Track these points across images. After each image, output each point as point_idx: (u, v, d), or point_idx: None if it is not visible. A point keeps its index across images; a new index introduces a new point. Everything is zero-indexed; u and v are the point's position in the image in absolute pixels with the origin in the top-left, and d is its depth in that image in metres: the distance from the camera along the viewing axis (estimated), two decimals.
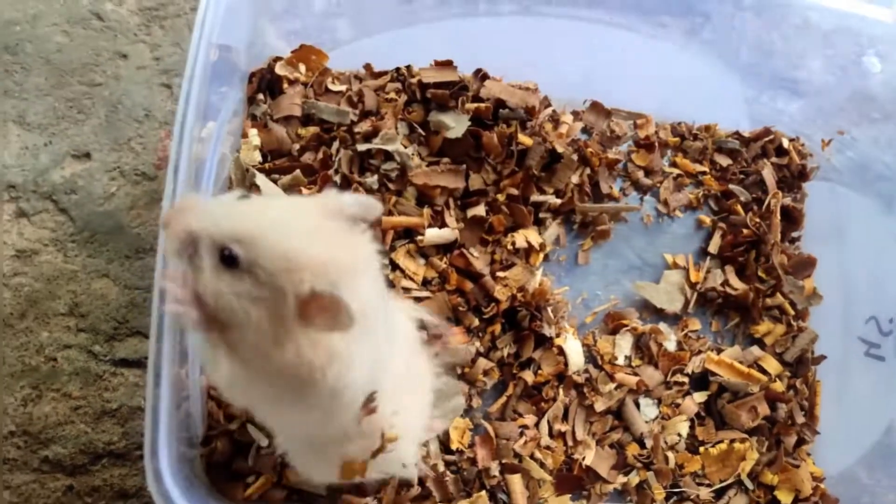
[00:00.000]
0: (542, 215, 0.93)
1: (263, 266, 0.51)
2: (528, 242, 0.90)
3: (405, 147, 0.89)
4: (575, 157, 0.93)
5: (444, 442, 0.85)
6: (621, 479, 0.88)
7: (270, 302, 0.52)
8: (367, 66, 0.93)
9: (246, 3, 0.84)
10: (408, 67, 0.92)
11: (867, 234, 0.94)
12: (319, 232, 0.54)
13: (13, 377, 0.82)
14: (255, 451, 0.79)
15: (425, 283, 0.89)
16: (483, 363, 0.87)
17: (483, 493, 0.83)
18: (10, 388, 0.82)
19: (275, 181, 0.86)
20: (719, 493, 0.89)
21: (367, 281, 0.56)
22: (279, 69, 0.89)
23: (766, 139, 0.99)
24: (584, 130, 0.98)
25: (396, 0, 0.97)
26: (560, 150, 0.91)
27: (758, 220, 0.97)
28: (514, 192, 0.91)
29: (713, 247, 0.97)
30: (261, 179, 0.84)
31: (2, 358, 0.81)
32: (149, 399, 0.59)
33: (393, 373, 0.66)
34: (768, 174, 0.98)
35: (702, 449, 0.90)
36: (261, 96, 0.89)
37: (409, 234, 0.89)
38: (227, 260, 0.51)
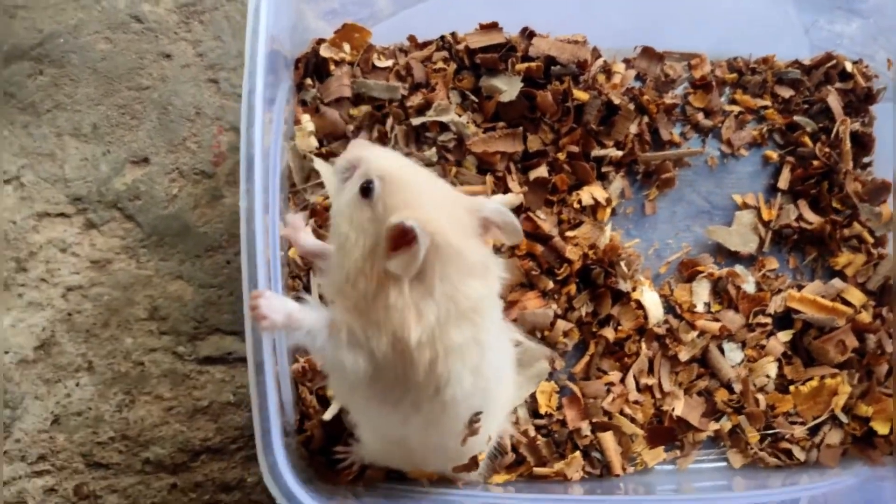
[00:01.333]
0: (604, 169, 0.92)
1: (386, 202, 0.58)
2: (594, 199, 0.89)
3: (459, 116, 0.89)
4: (632, 106, 0.92)
5: (533, 407, 0.85)
6: (713, 425, 0.88)
7: (375, 236, 0.57)
8: (412, 38, 0.92)
9: None
10: (452, 34, 0.91)
11: None
12: (447, 210, 0.60)
13: (105, 385, 0.84)
14: (348, 436, 0.80)
15: (495, 250, 0.88)
16: (562, 325, 0.87)
17: (577, 453, 0.84)
18: (104, 396, 0.84)
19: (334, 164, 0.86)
20: (814, 430, 0.89)
21: (476, 282, 0.59)
22: (324, 51, 0.88)
23: (829, 65, 0.96)
24: (638, 77, 0.96)
25: None
26: (616, 101, 0.90)
27: (827, 149, 0.95)
28: (575, 149, 0.90)
29: (783, 182, 0.95)
30: (319, 164, 0.84)
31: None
32: (254, 395, 0.60)
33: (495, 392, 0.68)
34: (834, 101, 0.95)
35: (792, 388, 0.89)
36: (309, 81, 0.89)
37: None
38: (365, 191, 0.59)
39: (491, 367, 0.65)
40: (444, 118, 0.87)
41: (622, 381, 0.87)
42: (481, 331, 0.61)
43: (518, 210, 0.89)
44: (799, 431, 0.88)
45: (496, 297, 0.66)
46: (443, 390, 0.60)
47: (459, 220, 0.60)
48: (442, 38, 0.91)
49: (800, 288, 0.93)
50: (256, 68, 0.66)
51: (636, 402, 0.86)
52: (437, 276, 0.57)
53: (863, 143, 0.97)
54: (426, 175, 0.65)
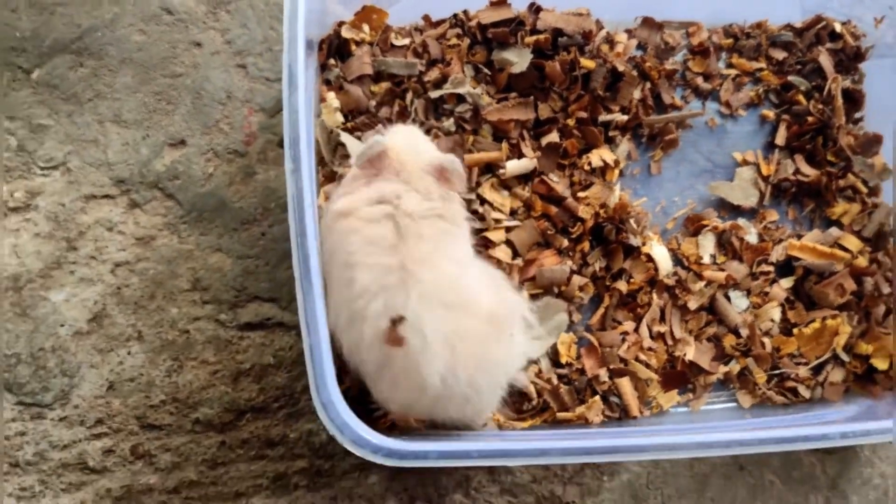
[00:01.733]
0: (611, 133, 0.98)
1: None
2: (604, 161, 0.95)
3: (474, 88, 0.95)
4: (635, 73, 0.98)
5: (554, 357, 0.91)
6: (723, 368, 0.94)
7: None
8: (426, 17, 0.98)
9: None
10: (465, 12, 0.97)
11: None
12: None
13: (155, 352, 0.90)
14: None
15: (512, 213, 0.94)
16: (577, 280, 0.93)
17: (596, 398, 0.90)
18: (154, 363, 0.90)
19: (358, 138, 0.92)
20: (817, 370, 0.95)
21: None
22: (345, 32, 0.94)
23: (819, 27, 1.03)
24: (640, 47, 1.02)
25: None
26: (621, 68, 0.96)
27: (820, 105, 1.01)
28: (583, 114, 0.96)
29: (780, 138, 1.01)
30: (345, 137, 0.90)
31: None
32: (305, 339, 0.66)
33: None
34: (825, 60, 1.01)
35: (795, 330, 0.95)
36: (332, 61, 0.95)
37: (490, 169, 0.95)
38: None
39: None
40: (460, 90, 0.93)
41: (636, 330, 0.93)
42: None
43: (532, 174, 0.95)
44: (803, 371, 0.94)
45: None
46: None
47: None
48: (455, 15, 0.97)
49: (799, 237, 0.99)
50: (297, 53, 0.72)
51: (650, 349, 0.93)
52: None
53: (854, 99, 1.03)
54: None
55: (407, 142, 0.81)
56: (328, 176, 0.92)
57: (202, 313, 0.92)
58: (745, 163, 1.01)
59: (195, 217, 0.94)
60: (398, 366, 0.72)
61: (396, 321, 0.70)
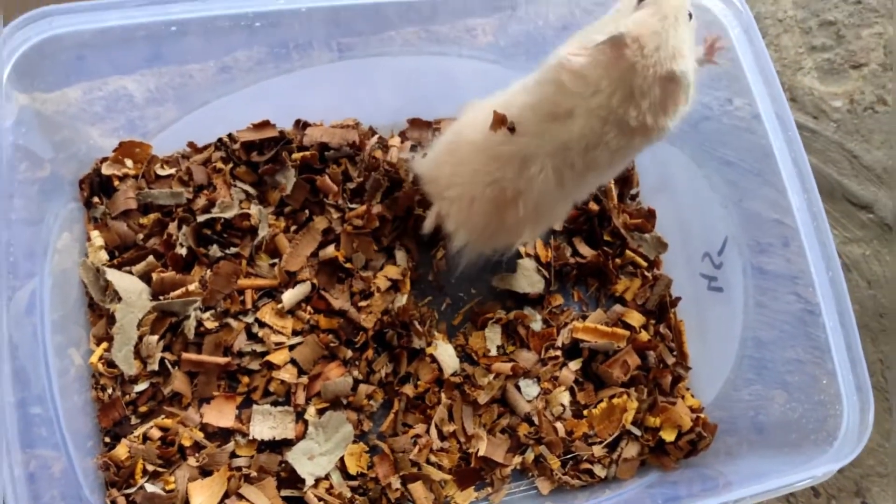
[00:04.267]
0: (388, 237, 1.01)
1: None
2: (390, 279, 0.98)
3: (246, 209, 0.97)
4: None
5: (344, 470, 0.92)
6: (517, 459, 0.96)
7: None
8: (191, 144, 1.00)
9: (52, 116, 0.91)
10: (229, 135, 0.99)
11: (683, 180, 1.04)
12: None
13: None
14: None
15: (296, 333, 0.96)
16: (364, 388, 0.94)
17: None
18: None
19: (129, 272, 0.93)
20: (612, 447, 0.98)
21: None
22: (105, 169, 0.95)
23: None
24: (413, 148, 1.06)
25: (215, 70, 1.03)
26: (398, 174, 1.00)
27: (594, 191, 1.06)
28: (359, 222, 0.99)
29: (558, 224, 1.06)
30: (111, 274, 0.91)
31: None
32: None
33: None
34: None
35: (586, 412, 0.99)
36: (96, 199, 0.96)
37: (270, 293, 0.97)
38: None
39: None
40: (227, 214, 0.95)
41: (427, 431, 0.95)
42: None
43: (311, 291, 0.97)
44: (597, 450, 0.97)
45: None
46: None
47: None
48: (220, 139, 1.00)
49: (584, 318, 1.03)
50: None
51: (441, 450, 0.94)
52: None
53: (626, 179, 1.09)
54: None
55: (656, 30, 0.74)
56: (99, 315, 0.92)
57: None
58: (527, 255, 1.05)
59: None
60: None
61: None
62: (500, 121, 0.81)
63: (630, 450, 0.98)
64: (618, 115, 0.75)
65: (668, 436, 0.98)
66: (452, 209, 0.90)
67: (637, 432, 0.99)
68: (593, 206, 1.06)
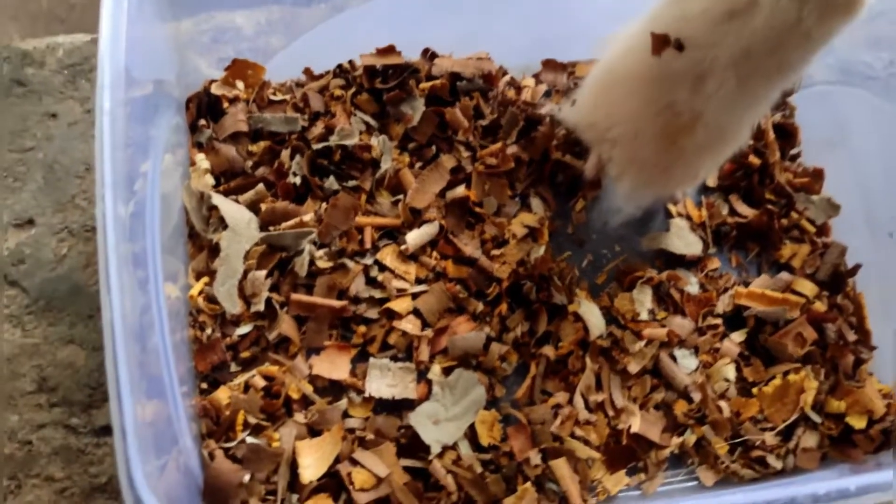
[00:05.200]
0: (522, 182, 0.89)
1: None
2: (527, 227, 0.86)
3: (366, 141, 0.86)
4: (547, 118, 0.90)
5: (474, 440, 0.78)
6: (676, 440, 0.81)
7: None
8: (307, 70, 0.90)
9: (162, 39, 0.82)
10: (350, 62, 0.89)
11: (870, 126, 0.90)
12: None
13: None
14: None
15: (419, 281, 0.83)
16: (497, 347, 0.81)
17: (528, 485, 0.76)
18: None
19: (235, 201, 0.82)
20: (786, 435, 0.83)
21: None
22: (215, 89, 0.86)
23: None
24: (548, 93, 0.95)
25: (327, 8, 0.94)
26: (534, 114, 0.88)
27: (751, 141, 0.93)
28: (493, 161, 0.87)
29: (711, 179, 0.93)
30: (218, 199, 0.80)
31: None
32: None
33: None
34: None
35: (755, 390, 0.84)
36: (203, 122, 0.86)
37: (391, 233, 0.85)
38: None
39: None
40: (347, 142, 0.84)
41: (570, 401, 0.81)
42: None
43: (438, 235, 0.85)
44: (770, 437, 0.82)
45: None
46: None
47: None
48: (339, 66, 0.89)
49: (746, 285, 0.89)
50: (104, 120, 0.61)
51: (588, 423, 0.80)
52: None
53: (787, 134, 0.96)
54: None
55: None
56: (200, 247, 0.81)
57: (49, 419, 0.78)
58: (679, 214, 0.91)
59: (43, 306, 0.81)
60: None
61: None
62: (662, 41, 0.69)
63: (808, 439, 0.82)
64: None
65: (858, 423, 0.82)
66: (616, 151, 0.78)
67: (817, 418, 0.83)
68: (754, 160, 0.92)
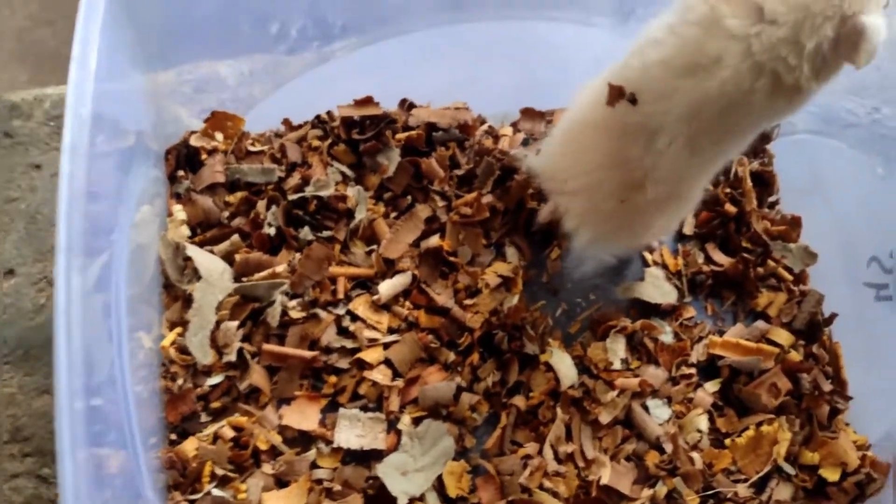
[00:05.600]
0: (493, 234, 0.90)
1: None
2: (501, 276, 0.86)
3: (342, 191, 0.87)
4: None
5: (441, 491, 0.78)
6: (647, 492, 0.81)
7: None
8: (286, 121, 0.92)
9: (139, 90, 0.84)
10: (328, 113, 0.91)
11: (845, 176, 0.91)
12: None
13: None
14: None
15: (391, 331, 0.84)
16: (468, 397, 0.81)
17: None
18: None
19: (210, 251, 0.83)
20: (760, 487, 0.82)
21: None
22: (195, 141, 0.88)
23: None
24: (526, 142, 0.96)
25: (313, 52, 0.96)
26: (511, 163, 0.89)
27: (728, 189, 0.94)
28: (468, 210, 0.88)
29: (687, 227, 0.93)
30: (192, 250, 0.81)
31: None
32: None
33: None
34: None
35: (728, 441, 0.83)
36: (181, 173, 0.87)
37: (364, 283, 0.86)
38: None
39: None
40: (323, 193, 0.85)
41: (540, 452, 0.81)
42: None
43: (410, 285, 0.86)
44: (743, 490, 0.81)
45: None
46: None
47: None
48: (317, 117, 0.91)
49: (721, 333, 0.89)
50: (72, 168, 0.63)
51: (557, 474, 0.80)
52: None
53: (765, 182, 0.97)
54: None
55: None
56: (175, 298, 0.82)
57: (21, 469, 0.79)
58: (654, 263, 0.92)
59: (21, 356, 0.83)
60: None
61: None
62: (616, 93, 0.70)
63: (782, 491, 0.82)
64: (781, 61, 0.63)
65: (831, 475, 0.81)
66: (574, 203, 0.79)
67: (791, 470, 0.82)
68: (730, 208, 0.93)
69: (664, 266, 0.92)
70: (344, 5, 0.90)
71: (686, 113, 0.65)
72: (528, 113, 0.96)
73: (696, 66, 0.65)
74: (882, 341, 0.86)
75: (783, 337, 0.88)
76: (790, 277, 0.93)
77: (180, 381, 0.78)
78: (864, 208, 0.89)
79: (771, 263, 0.92)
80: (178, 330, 0.80)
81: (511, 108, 0.98)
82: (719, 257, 0.92)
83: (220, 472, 0.75)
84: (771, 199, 0.97)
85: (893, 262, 0.84)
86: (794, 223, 0.95)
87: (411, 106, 0.93)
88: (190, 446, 0.75)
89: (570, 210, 0.80)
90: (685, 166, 0.71)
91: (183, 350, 0.79)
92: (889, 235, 0.85)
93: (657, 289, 0.91)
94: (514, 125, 0.97)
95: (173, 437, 0.77)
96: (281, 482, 0.76)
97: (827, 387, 0.87)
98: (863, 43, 0.62)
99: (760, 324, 0.90)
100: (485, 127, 0.95)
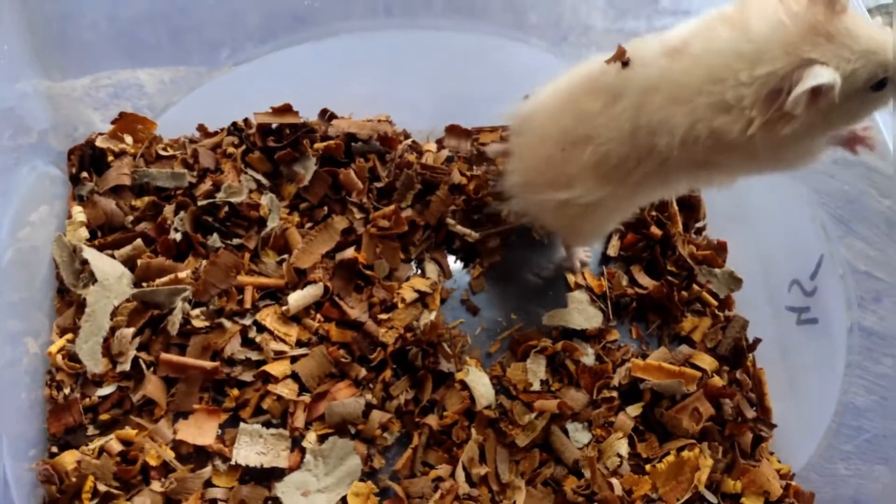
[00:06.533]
0: (412, 249, 0.88)
1: None
2: (418, 291, 0.84)
3: (255, 201, 0.84)
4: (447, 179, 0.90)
5: None
6: None
7: None
8: (201, 127, 0.90)
9: (33, 93, 0.81)
10: (245, 120, 0.89)
11: (766, 202, 0.91)
12: None
13: None
14: None
15: (300, 344, 0.81)
16: (378, 415, 0.78)
17: None
18: None
19: (111, 255, 0.79)
20: None
21: None
22: (101, 142, 0.85)
23: None
24: (451, 159, 0.95)
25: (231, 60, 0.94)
26: (434, 176, 0.88)
27: (654, 212, 0.93)
28: (386, 224, 0.86)
29: (612, 249, 0.92)
30: (89, 253, 0.77)
31: None
32: None
33: None
34: None
35: (648, 467, 0.81)
36: (85, 175, 0.84)
37: (273, 294, 0.82)
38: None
39: None
40: (234, 199, 0.82)
41: (452, 474, 0.77)
42: None
43: (323, 296, 0.83)
44: None
45: None
46: None
47: None
48: (233, 123, 0.89)
49: (645, 357, 0.87)
50: None
51: (469, 498, 0.76)
52: None
53: (691, 207, 0.96)
54: None
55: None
56: (69, 303, 0.78)
57: None
58: (577, 285, 0.90)
59: None
60: None
61: None
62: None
63: None
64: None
65: None
66: (520, 143, 0.79)
67: (713, 499, 0.80)
68: (655, 231, 0.92)
69: (588, 288, 0.90)
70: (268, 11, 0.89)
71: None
72: (453, 130, 0.95)
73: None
74: (805, 368, 0.85)
75: (707, 361, 0.87)
76: (715, 303, 0.92)
77: (66, 391, 0.74)
78: (785, 232, 0.89)
79: (696, 288, 0.91)
80: (69, 336, 0.76)
81: (437, 125, 0.96)
82: (644, 280, 0.91)
83: (102, 488, 0.70)
84: (698, 224, 0.97)
85: (814, 285, 0.84)
86: (721, 248, 0.95)
87: (332, 116, 0.91)
88: (69, 459, 0.70)
89: (515, 151, 0.80)
90: (625, 150, 0.69)
91: (72, 357, 0.74)
92: (806, 258, 0.84)
93: (582, 314, 0.89)
94: (439, 142, 0.96)
95: (54, 449, 0.72)
96: (170, 501, 0.72)
97: (750, 413, 0.85)
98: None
99: (685, 348, 0.88)
100: (408, 142, 0.94)
